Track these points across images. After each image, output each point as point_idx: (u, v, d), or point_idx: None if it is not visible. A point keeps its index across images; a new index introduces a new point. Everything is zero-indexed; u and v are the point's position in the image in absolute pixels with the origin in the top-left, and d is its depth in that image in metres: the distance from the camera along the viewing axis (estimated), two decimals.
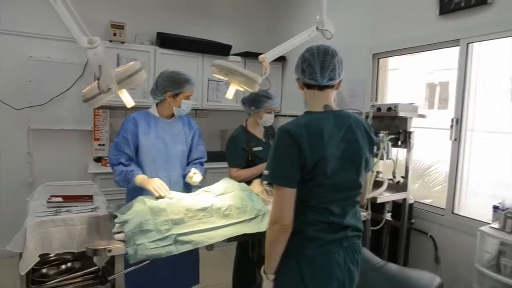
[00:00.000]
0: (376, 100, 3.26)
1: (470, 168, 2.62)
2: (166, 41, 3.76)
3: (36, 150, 3.52)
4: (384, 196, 2.51)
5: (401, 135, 2.60)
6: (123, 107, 2.31)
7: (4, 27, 3.28)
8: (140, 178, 2.03)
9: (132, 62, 1.67)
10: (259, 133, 2.60)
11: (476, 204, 2.62)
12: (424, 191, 3.13)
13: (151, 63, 3.67)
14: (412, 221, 2.73)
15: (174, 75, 2.15)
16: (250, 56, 4.09)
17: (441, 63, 2.74)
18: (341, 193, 1.37)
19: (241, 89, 2.01)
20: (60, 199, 1.96)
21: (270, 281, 1.37)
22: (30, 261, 1.62)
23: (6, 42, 3.31)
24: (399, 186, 2.69)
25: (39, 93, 3.36)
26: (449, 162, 2.65)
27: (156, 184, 1.96)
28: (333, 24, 2.19)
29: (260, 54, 2.03)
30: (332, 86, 1.41)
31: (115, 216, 1.77)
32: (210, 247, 1.70)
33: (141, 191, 2.02)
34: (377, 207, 2.55)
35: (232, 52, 4.13)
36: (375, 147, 2.41)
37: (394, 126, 2.65)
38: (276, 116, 4.34)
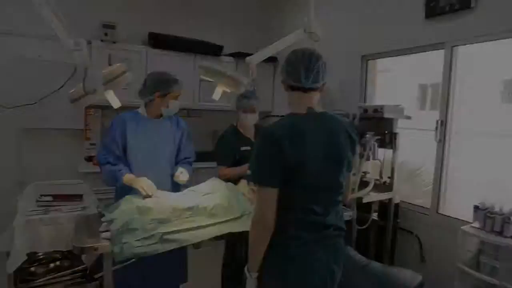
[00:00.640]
0: (364, 101, 3.30)
1: (455, 169, 2.66)
2: (158, 41, 3.77)
3: (27, 149, 3.51)
4: (370, 195, 2.55)
5: (386, 136, 2.65)
6: None
7: None
8: (128, 177, 2.06)
9: (118, 64, 1.69)
10: (250, 133, 2.63)
11: (461, 204, 2.66)
12: (415, 192, 3.17)
13: (143, 63, 3.68)
14: (398, 220, 2.78)
15: (162, 76, 2.18)
16: (242, 56, 4.09)
17: (433, 65, 2.79)
18: (323, 193, 1.40)
19: (228, 90, 2.04)
20: (50, 198, 1.97)
21: (254, 279, 1.40)
22: (18, 259, 1.63)
23: None
24: (386, 186, 2.73)
25: (30, 92, 3.34)
26: (434, 163, 2.69)
27: (144, 183, 1.99)
28: (322, 27, 2.21)
29: (252, 54, 2.06)
30: (316, 89, 1.45)
31: (104, 215, 1.80)
32: (197, 245, 1.72)
33: (129, 190, 2.04)
34: (363, 207, 2.59)
35: (224, 52, 4.16)
36: (362, 148, 2.46)
37: (381, 127, 2.69)
38: (267, 116, 4.41)
